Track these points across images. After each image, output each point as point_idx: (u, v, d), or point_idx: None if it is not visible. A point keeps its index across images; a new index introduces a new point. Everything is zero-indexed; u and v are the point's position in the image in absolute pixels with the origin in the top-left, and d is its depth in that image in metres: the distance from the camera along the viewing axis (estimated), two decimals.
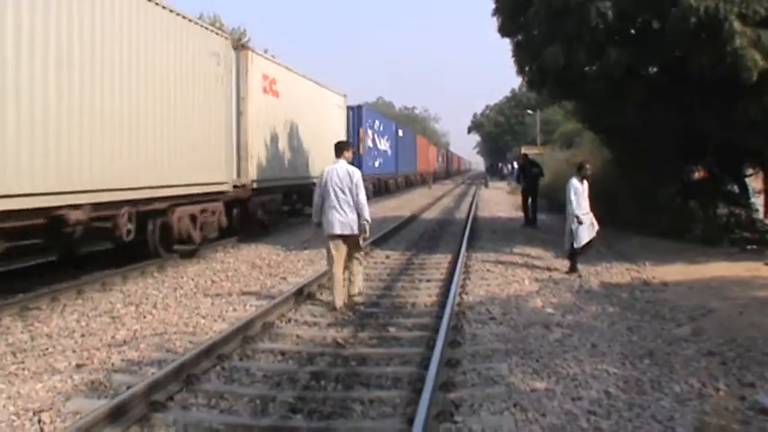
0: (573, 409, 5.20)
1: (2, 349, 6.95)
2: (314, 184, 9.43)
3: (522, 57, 14.92)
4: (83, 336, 7.50)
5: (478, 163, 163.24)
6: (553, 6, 12.35)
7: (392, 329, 7.71)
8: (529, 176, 20.36)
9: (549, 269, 11.80)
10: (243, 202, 15.73)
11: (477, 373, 6.05)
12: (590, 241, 11.50)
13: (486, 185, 55.60)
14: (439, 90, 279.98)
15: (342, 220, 8.76)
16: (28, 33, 8.59)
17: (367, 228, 8.99)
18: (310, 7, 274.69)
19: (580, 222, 11.29)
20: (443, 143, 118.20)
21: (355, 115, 30.50)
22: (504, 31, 14.96)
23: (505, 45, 15.40)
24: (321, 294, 9.69)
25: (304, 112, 19.99)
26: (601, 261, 12.51)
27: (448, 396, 5.43)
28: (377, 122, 35.73)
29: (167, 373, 5.56)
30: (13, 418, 5.07)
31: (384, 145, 37.48)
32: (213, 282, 10.83)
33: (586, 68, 13.40)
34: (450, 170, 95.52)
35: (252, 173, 15.69)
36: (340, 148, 9.17)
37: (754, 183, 18.20)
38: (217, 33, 14.63)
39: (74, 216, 9.38)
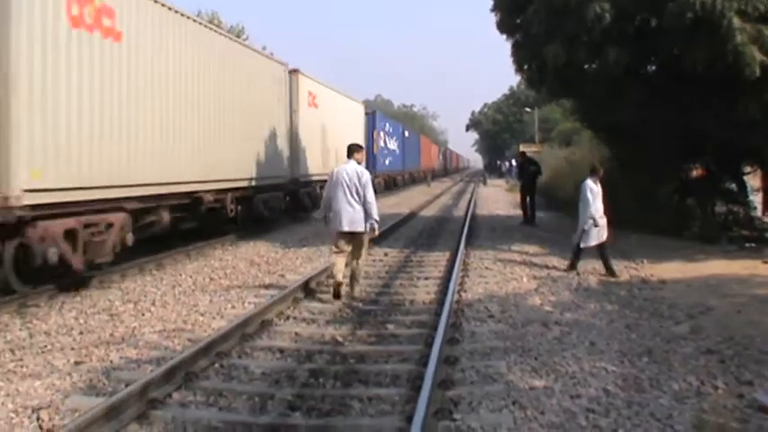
0: (571, 406, 5.21)
1: (0, 347, 6.94)
2: None
3: (521, 54, 14.92)
4: (81, 333, 7.50)
5: (477, 161, 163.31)
6: (554, 5, 12.34)
7: (391, 327, 7.72)
8: (527, 174, 20.36)
9: (547, 267, 11.81)
10: (294, 191, 20.18)
11: (475, 371, 6.05)
12: (602, 243, 11.34)
13: (485, 183, 55.61)
14: (437, 87, 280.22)
15: (350, 218, 9.08)
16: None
17: (376, 227, 9.33)
18: (309, 4, 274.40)
19: (595, 225, 11.16)
20: (442, 141, 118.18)
21: (370, 120, 33.44)
22: (503, 27, 14.95)
23: (504, 43, 15.41)
24: (320, 292, 9.68)
25: (334, 120, 23.94)
26: (599, 258, 12.50)
27: (447, 394, 5.44)
28: (387, 125, 39.33)
29: (166, 371, 5.55)
30: (12, 415, 5.07)
31: (393, 145, 40.75)
32: (212, 279, 10.83)
33: (586, 66, 13.40)
34: (448, 168, 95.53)
35: (300, 169, 20.11)
36: (351, 150, 9.53)
37: (753, 181, 18.20)
38: (278, 62, 18.76)
39: (205, 198, 13.59)
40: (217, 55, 14.18)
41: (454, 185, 57.31)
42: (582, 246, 11.39)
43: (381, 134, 36.73)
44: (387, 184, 38.00)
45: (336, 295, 9.05)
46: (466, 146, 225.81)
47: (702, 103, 12.53)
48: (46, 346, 6.94)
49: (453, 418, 4.95)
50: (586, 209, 11.23)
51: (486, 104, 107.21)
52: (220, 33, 15.13)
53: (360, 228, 9.12)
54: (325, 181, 9.30)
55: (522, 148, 37.62)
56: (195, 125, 13.11)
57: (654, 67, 14.29)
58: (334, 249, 9.31)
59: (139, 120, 11.03)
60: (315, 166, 21.60)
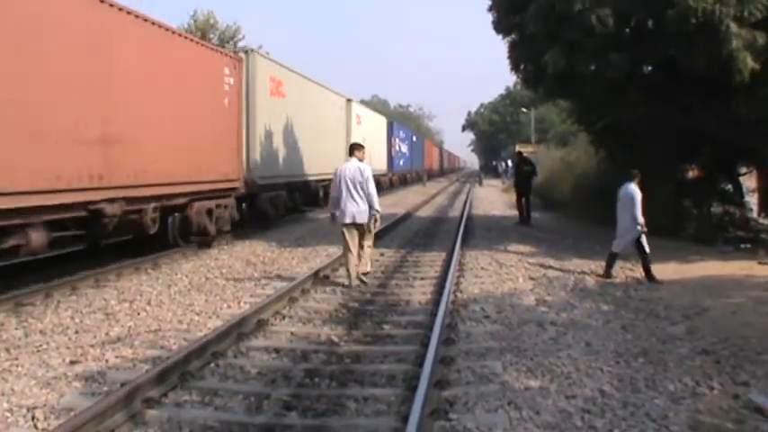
0: (567, 407, 5.21)
1: None
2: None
3: (518, 55, 14.92)
4: (77, 332, 7.48)
5: (473, 161, 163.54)
6: (554, 11, 12.33)
7: (387, 327, 7.72)
8: (521, 175, 20.37)
9: (543, 267, 11.81)
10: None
11: (471, 371, 6.05)
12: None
13: (481, 183, 55.66)
14: (433, 88, 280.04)
15: (354, 210, 9.96)
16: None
17: (378, 217, 10.27)
18: (305, 5, 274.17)
19: (644, 232, 10.81)
20: (437, 141, 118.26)
21: (390, 128, 41.17)
22: (500, 27, 14.96)
23: (501, 42, 15.43)
24: (316, 292, 9.69)
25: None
26: (595, 259, 12.53)
27: (442, 394, 5.43)
28: (401, 132, 47.50)
29: (161, 371, 5.54)
30: (7, 414, 5.05)
31: (404, 148, 48.49)
32: (207, 279, 10.81)
33: (585, 68, 13.42)
34: (444, 168, 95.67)
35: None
36: (353, 149, 10.50)
37: (748, 182, 18.28)
38: (337, 93, 26.78)
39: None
40: (315, 94, 23.58)
41: (450, 185, 57.35)
42: (617, 251, 11.10)
43: (397, 140, 43.46)
44: (400, 181, 45.42)
45: (348, 285, 9.92)
46: (462, 146, 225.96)
47: (700, 104, 12.58)
48: (41, 346, 6.92)
49: (449, 419, 4.94)
50: (634, 215, 10.75)
51: (482, 105, 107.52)
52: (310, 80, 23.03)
53: (363, 220, 10.00)
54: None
55: (518, 148, 37.70)
56: (317, 143, 23.05)
57: (651, 68, 14.32)
58: (344, 244, 10.07)
59: (302, 144, 21.27)
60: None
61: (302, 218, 21.73)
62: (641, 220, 10.74)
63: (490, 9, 15.04)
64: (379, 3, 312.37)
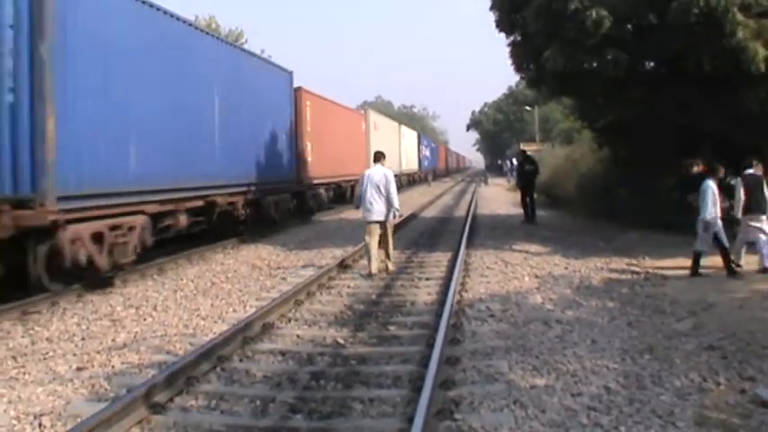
0: (573, 405, 5.21)
1: (2, 354, 6.96)
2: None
3: (520, 54, 14.93)
4: (83, 339, 7.51)
5: (478, 161, 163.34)
6: (552, 10, 12.34)
7: (392, 328, 7.72)
8: (524, 173, 20.34)
9: (548, 265, 11.80)
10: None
11: (477, 371, 6.06)
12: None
13: (486, 183, 55.61)
14: (437, 88, 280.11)
15: (377, 209, 11.23)
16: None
17: (397, 214, 11.69)
18: (308, 6, 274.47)
19: (705, 229, 10.43)
20: (442, 141, 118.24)
21: (419, 139, 57.72)
22: (502, 26, 14.96)
23: (504, 41, 15.44)
24: (321, 294, 9.70)
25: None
26: (600, 256, 12.52)
27: (448, 394, 5.44)
28: (425, 141, 64.35)
29: (167, 376, 5.56)
30: (14, 422, 5.08)
31: (427, 153, 64.47)
32: (213, 283, 10.84)
33: (585, 65, 13.40)
34: (449, 168, 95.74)
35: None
36: (377, 156, 11.80)
37: None
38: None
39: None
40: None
41: (455, 185, 57.37)
42: (725, 246, 10.58)
43: (423, 147, 59.34)
44: (426, 175, 59.96)
45: (370, 274, 10.96)
46: (467, 145, 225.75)
47: (702, 100, 12.53)
48: (48, 353, 6.96)
49: (454, 419, 4.95)
50: (704, 209, 10.41)
51: (486, 104, 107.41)
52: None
53: (385, 217, 11.30)
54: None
55: (522, 146, 37.66)
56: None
57: (653, 64, 14.28)
58: (367, 238, 11.23)
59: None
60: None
61: (308, 220, 21.75)
62: (709, 215, 10.38)
63: (492, 9, 15.04)
64: (381, 3, 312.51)
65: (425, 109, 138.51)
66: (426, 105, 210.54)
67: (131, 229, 10.89)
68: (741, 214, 10.81)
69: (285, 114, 19.51)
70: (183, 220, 12.86)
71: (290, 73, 20.32)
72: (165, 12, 12.41)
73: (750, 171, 11.05)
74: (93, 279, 10.22)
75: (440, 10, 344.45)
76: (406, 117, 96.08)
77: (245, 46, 39.04)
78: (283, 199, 19.05)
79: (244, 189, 15.87)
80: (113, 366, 6.45)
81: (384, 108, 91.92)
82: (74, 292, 9.84)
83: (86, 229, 9.70)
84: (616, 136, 17.45)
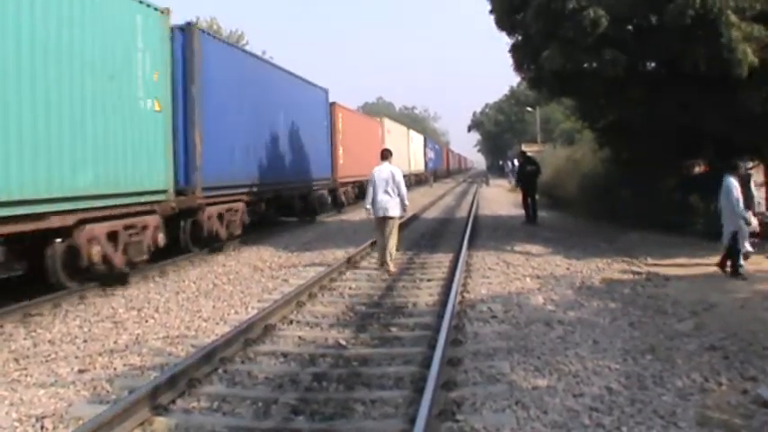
0: (575, 405, 5.21)
1: (5, 356, 6.97)
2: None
3: (520, 55, 14.95)
4: (85, 341, 7.52)
5: (480, 162, 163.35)
6: (550, 10, 12.35)
7: (394, 329, 7.73)
8: (525, 174, 20.33)
9: (550, 266, 11.80)
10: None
11: (478, 372, 6.06)
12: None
13: (488, 184, 55.63)
14: (438, 89, 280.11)
15: (385, 206, 11.70)
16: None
17: (406, 208, 12.30)
18: (308, 7, 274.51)
19: (747, 223, 10.48)
20: (443, 141, 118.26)
21: (425, 142, 61.99)
22: (502, 28, 14.98)
23: (505, 42, 15.47)
24: (323, 296, 9.70)
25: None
26: (602, 257, 12.52)
27: (450, 395, 5.44)
28: (430, 143, 69.15)
29: (169, 378, 5.56)
30: (16, 424, 5.08)
31: (432, 155, 69.05)
32: (215, 285, 10.84)
33: (585, 65, 13.41)
34: (450, 169, 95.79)
35: None
36: (385, 154, 12.39)
37: (756, 176, 18.16)
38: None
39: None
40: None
41: (457, 186, 57.41)
42: (741, 248, 10.58)
43: (428, 150, 64.22)
44: (431, 175, 63.34)
45: (381, 265, 11.68)
46: (468, 146, 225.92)
47: (701, 99, 12.53)
48: (50, 355, 6.96)
49: (456, 420, 4.95)
50: (734, 209, 10.43)
51: (487, 105, 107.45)
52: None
53: (391, 213, 11.71)
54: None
55: (523, 147, 37.65)
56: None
57: (653, 65, 14.29)
58: (376, 233, 12.12)
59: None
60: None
61: (310, 222, 21.76)
62: (745, 214, 10.44)
63: (491, 12, 15.05)
64: (382, 3, 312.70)
65: (426, 110, 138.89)
66: (428, 106, 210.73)
67: (236, 211, 15.42)
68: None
69: (324, 125, 24.39)
70: (263, 207, 17.43)
71: (326, 91, 24.71)
72: (254, 55, 18.45)
73: (742, 169, 11.26)
74: (218, 244, 14.69)
75: (440, 10, 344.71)
76: (408, 118, 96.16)
77: (247, 48, 39.17)
78: (323, 194, 23.76)
79: (299, 185, 20.77)
80: (115, 368, 6.46)
81: (385, 109, 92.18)
82: (75, 293, 9.85)
83: (215, 210, 14.25)
84: (617, 136, 17.44)
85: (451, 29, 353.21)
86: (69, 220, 9.29)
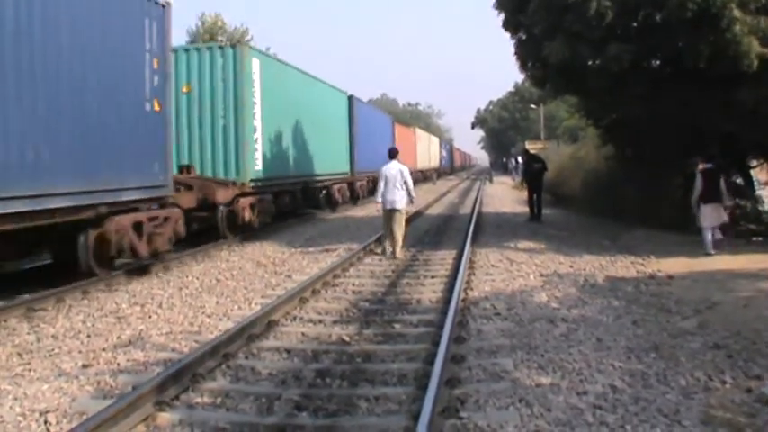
0: (578, 403, 5.20)
1: (8, 350, 6.98)
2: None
3: (524, 52, 14.92)
4: (89, 336, 7.52)
5: (483, 159, 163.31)
6: (554, 2, 12.32)
7: (397, 326, 7.72)
8: (531, 172, 20.31)
9: (553, 263, 11.78)
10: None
11: (482, 369, 6.05)
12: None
13: (491, 181, 55.58)
14: (442, 85, 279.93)
15: (393, 199, 12.91)
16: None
17: (413, 201, 13.61)
18: (312, 3, 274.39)
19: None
20: (447, 138, 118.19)
21: (440, 143, 73.86)
22: (508, 26, 14.96)
23: (508, 39, 15.44)
24: (326, 292, 9.70)
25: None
26: (605, 254, 12.50)
27: (453, 392, 5.43)
28: (445, 145, 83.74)
29: (173, 373, 5.56)
30: (20, 419, 5.08)
31: (445, 153, 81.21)
32: (218, 280, 10.85)
33: (589, 62, 13.37)
34: (454, 166, 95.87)
35: None
36: (393, 153, 13.54)
37: (760, 174, 18.15)
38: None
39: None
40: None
41: (461, 183, 57.36)
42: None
43: (442, 150, 75.28)
44: (444, 170, 74.01)
45: (393, 254, 12.80)
46: (472, 143, 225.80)
47: (706, 97, 12.49)
48: (53, 350, 6.97)
49: (460, 417, 4.94)
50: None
51: (491, 102, 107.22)
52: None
53: (397, 206, 12.87)
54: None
55: (527, 145, 37.64)
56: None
57: (658, 62, 14.25)
58: (384, 225, 13.26)
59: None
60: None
61: (312, 218, 21.77)
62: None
63: (496, 8, 15.02)
64: (385, 3, 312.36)
65: (430, 107, 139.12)
66: (431, 103, 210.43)
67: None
68: (702, 203, 12.39)
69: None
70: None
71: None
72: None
73: (708, 166, 12.53)
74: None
75: (445, 6, 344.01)
76: (412, 115, 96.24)
77: (251, 44, 39.19)
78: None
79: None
80: (119, 363, 6.46)
81: (389, 106, 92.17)
82: (79, 288, 9.86)
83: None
84: (621, 134, 17.43)
85: (455, 25, 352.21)
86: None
